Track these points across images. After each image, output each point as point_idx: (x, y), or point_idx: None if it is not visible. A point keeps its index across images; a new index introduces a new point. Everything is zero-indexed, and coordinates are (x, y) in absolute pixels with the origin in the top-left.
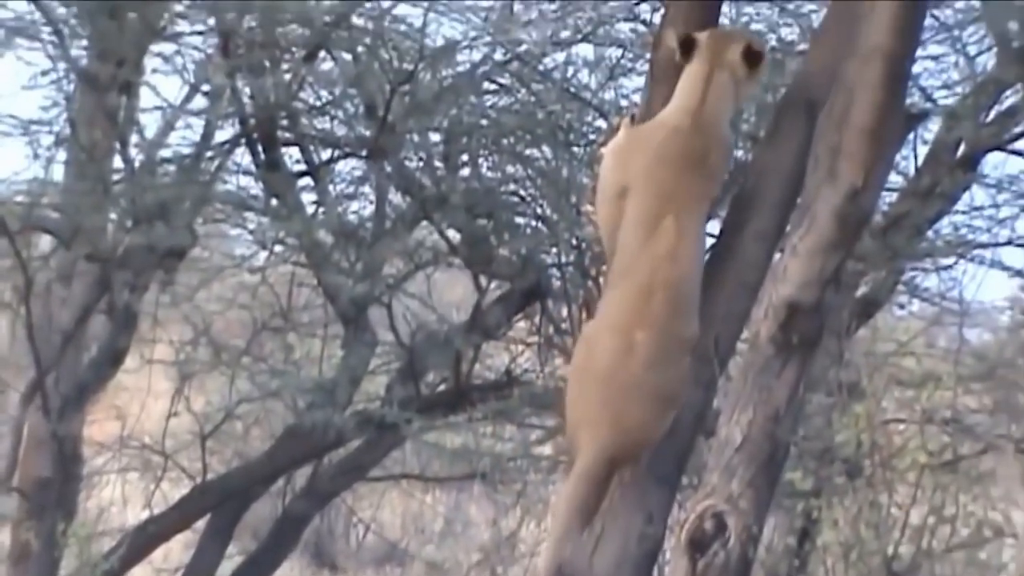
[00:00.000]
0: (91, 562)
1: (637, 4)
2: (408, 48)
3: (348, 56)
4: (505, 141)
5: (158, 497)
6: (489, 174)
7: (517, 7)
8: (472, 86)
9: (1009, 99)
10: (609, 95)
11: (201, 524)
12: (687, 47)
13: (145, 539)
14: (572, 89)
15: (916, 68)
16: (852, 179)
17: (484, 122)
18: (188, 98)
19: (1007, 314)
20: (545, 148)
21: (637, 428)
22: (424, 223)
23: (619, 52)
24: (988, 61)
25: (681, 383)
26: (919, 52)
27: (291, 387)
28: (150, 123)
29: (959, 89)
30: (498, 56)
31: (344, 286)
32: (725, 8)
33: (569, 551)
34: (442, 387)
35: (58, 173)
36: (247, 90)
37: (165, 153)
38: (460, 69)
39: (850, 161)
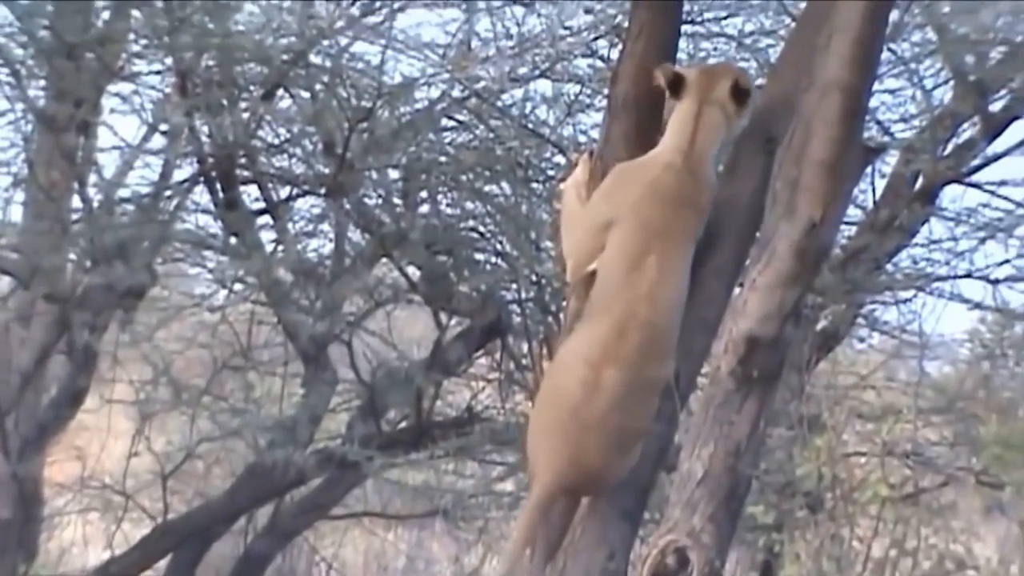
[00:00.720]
0: None
1: (594, 40)
2: (366, 85)
3: (306, 94)
4: (464, 177)
5: (119, 537)
6: (448, 210)
7: (475, 44)
8: (430, 123)
9: (966, 132)
10: (567, 131)
11: (163, 564)
12: (676, 85)
13: None
14: (530, 125)
15: (873, 102)
16: (810, 213)
17: (443, 159)
18: (146, 137)
19: (966, 347)
20: (504, 184)
21: (596, 464)
22: (384, 260)
23: (577, 88)
24: (945, 94)
25: (646, 422)
26: (876, 86)
27: (252, 426)
28: (108, 163)
29: (916, 122)
30: (456, 93)
31: (304, 324)
32: (683, 43)
33: None
34: (403, 424)
35: (16, 214)
36: (205, 129)
37: (123, 193)
38: (418, 106)
39: (808, 195)
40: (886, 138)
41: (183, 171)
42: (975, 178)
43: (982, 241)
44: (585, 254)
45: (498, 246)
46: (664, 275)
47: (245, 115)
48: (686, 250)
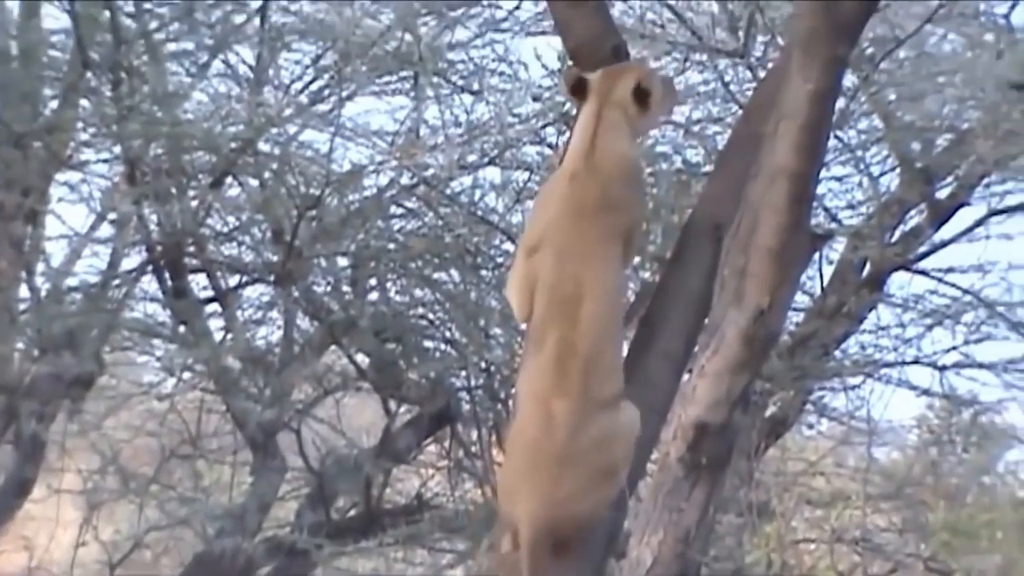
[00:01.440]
0: None
1: (543, 127)
2: (315, 173)
3: (255, 182)
4: (413, 265)
5: None
6: (397, 298)
7: (423, 131)
8: (379, 210)
9: (913, 219)
10: (516, 218)
11: None
12: (579, 88)
13: None
14: (479, 212)
15: (821, 189)
16: (758, 300)
17: (391, 246)
18: (94, 226)
19: (914, 433)
20: (453, 271)
21: (569, 498)
22: (333, 347)
23: (526, 175)
24: (892, 181)
25: (613, 446)
26: (823, 173)
27: (201, 514)
28: (56, 251)
29: (864, 209)
30: (405, 180)
31: (253, 412)
32: None
33: None
34: (352, 512)
35: None
36: (154, 217)
37: (72, 281)
38: (367, 193)
39: (756, 282)
40: (833, 225)
41: (131, 259)
42: (922, 265)
43: (929, 328)
44: (523, 287)
45: (447, 333)
46: (592, 289)
47: (194, 203)
48: (611, 253)
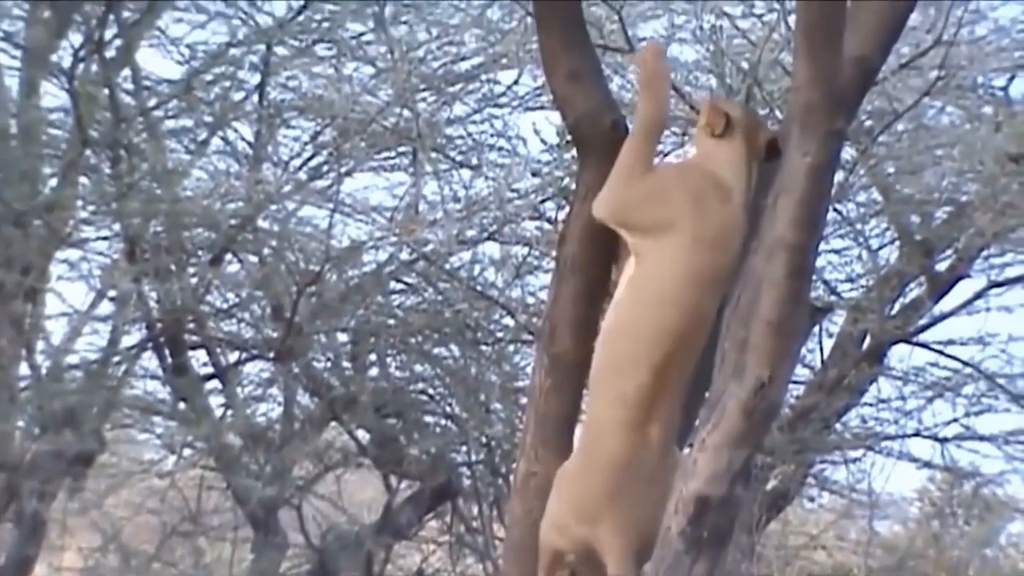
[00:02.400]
0: None
1: (542, 202)
2: (314, 249)
3: (254, 258)
4: (413, 340)
5: None
6: (397, 373)
7: (422, 207)
8: (378, 286)
9: (913, 291)
10: (516, 293)
11: None
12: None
13: None
14: (479, 287)
15: (820, 262)
16: (759, 373)
17: (391, 321)
18: (94, 304)
19: (916, 506)
20: (453, 347)
21: (652, 519)
22: (333, 424)
23: (525, 250)
24: (891, 254)
25: (676, 473)
26: (823, 246)
27: None
28: (56, 329)
29: (863, 282)
30: (404, 256)
31: (253, 489)
32: None
33: None
34: None
35: None
36: (153, 294)
37: (72, 359)
38: (366, 269)
39: (757, 355)
40: (833, 298)
41: (132, 336)
42: (922, 337)
43: (930, 400)
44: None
45: (447, 408)
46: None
47: (193, 280)
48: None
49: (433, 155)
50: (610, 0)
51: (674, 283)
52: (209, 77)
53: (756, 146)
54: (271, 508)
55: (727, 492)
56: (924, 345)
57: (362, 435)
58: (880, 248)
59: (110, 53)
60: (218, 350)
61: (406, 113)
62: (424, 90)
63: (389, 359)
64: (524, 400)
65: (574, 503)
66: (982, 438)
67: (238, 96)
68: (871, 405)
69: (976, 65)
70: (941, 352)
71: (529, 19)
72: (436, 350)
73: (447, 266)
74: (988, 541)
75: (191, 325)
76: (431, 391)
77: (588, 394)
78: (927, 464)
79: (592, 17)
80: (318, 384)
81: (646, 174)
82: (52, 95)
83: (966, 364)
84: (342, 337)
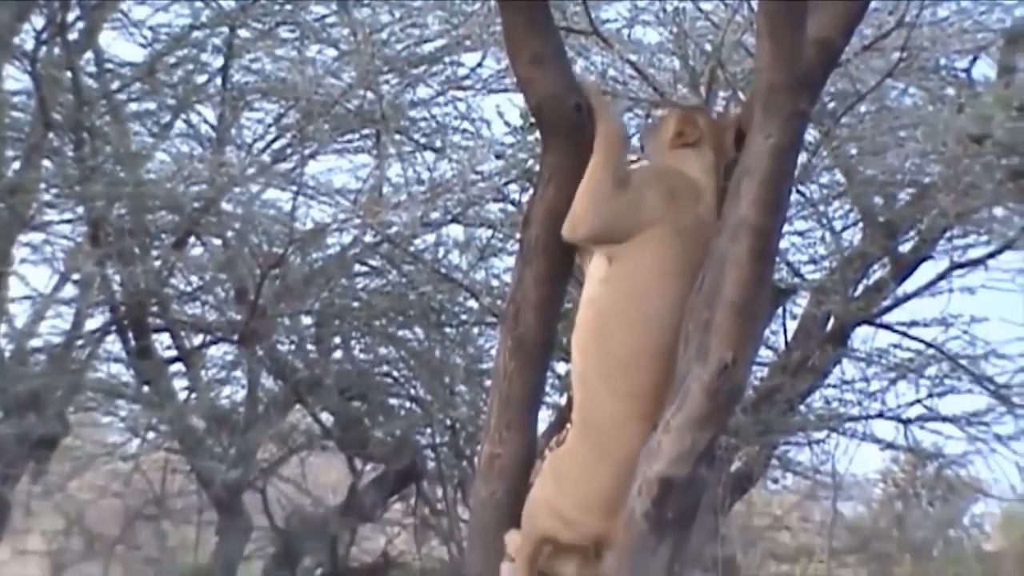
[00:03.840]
0: None
1: (505, 184)
2: (278, 232)
3: (218, 241)
4: (377, 323)
5: None
6: (362, 356)
7: (386, 189)
8: (342, 268)
9: (876, 273)
10: (480, 275)
11: None
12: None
13: None
14: (443, 270)
15: (784, 244)
16: (722, 354)
17: (356, 304)
18: (58, 287)
19: (880, 487)
20: (417, 329)
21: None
22: (297, 406)
23: (489, 232)
24: (854, 236)
25: None
26: (786, 227)
27: (166, 575)
28: (20, 312)
29: (827, 264)
30: (368, 238)
31: (218, 471)
32: None
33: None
34: (319, 571)
35: None
36: (117, 277)
37: (35, 342)
38: (330, 252)
39: (720, 336)
40: (796, 279)
41: (95, 320)
42: (885, 319)
43: (893, 381)
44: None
45: (412, 391)
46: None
47: (157, 263)
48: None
49: (397, 137)
50: None
51: (656, 274)
52: (172, 60)
53: (725, 148)
54: (235, 491)
55: (691, 473)
56: (887, 326)
57: (326, 418)
58: (843, 230)
59: (73, 36)
60: (182, 333)
61: (370, 95)
62: (388, 72)
63: (353, 342)
64: (488, 382)
65: (585, 499)
66: (945, 419)
67: (201, 79)
68: (835, 387)
69: (938, 46)
70: (904, 333)
71: (492, 1)
72: (400, 332)
73: (411, 248)
74: (951, 521)
75: (155, 308)
76: (396, 373)
77: (581, 392)
78: (890, 445)
79: None
80: (282, 367)
81: (619, 187)
82: (15, 78)
83: (929, 345)
84: (306, 320)
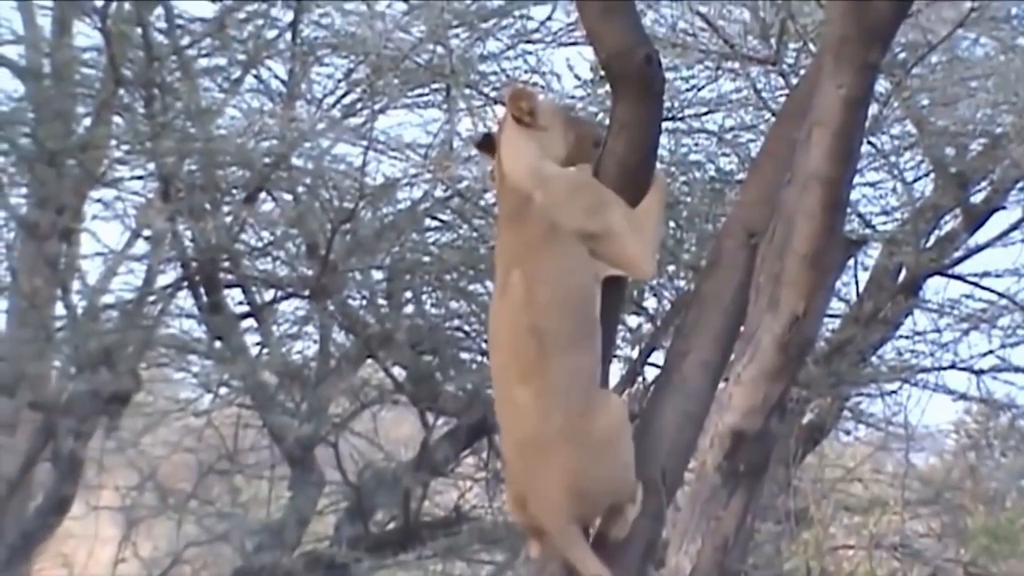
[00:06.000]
0: None
1: None
2: (348, 187)
3: (289, 196)
4: (448, 277)
5: None
6: (433, 310)
7: (456, 143)
8: (413, 223)
9: (948, 224)
10: None
11: None
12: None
13: None
14: None
15: (855, 195)
16: (794, 306)
17: (426, 258)
18: (129, 243)
19: (952, 438)
20: (488, 283)
21: (562, 483)
22: (369, 361)
23: None
24: (926, 187)
25: (601, 413)
26: (857, 179)
27: (239, 530)
28: (91, 269)
29: (898, 215)
30: (439, 192)
31: (290, 427)
32: (664, 139)
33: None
34: (391, 525)
35: (0, 322)
36: (188, 233)
37: (107, 299)
38: (401, 206)
39: (791, 288)
40: (868, 231)
41: (167, 276)
42: (958, 270)
43: (966, 332)
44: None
45: (483, 345)
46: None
47: (228, 219)
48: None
49: (467, 91)
50: None
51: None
52: (242, 15)
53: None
54: (308, 446)
55: (762, 426)
56: (959, 277)
57: (398, 372)
58: (915, 181)
59: None
60: (253, 289)
61: (440, 49)
62: (457, 26)
63: (424, 296)
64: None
65: (508, 494)
66: (1018, 370)
67: (271, 34)
68: (907, 338)
69: None
70: (976, 284)
71: None
72: (471, 287)
73: (482, 202)
74: None
75: (226, 264)
76: (466, 328)
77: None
78: (963, 396)
79: None
80: (353, 322)
81: (622, 205)
82: (85, 35)
83: (1001, 296)
84: (377, 275)
